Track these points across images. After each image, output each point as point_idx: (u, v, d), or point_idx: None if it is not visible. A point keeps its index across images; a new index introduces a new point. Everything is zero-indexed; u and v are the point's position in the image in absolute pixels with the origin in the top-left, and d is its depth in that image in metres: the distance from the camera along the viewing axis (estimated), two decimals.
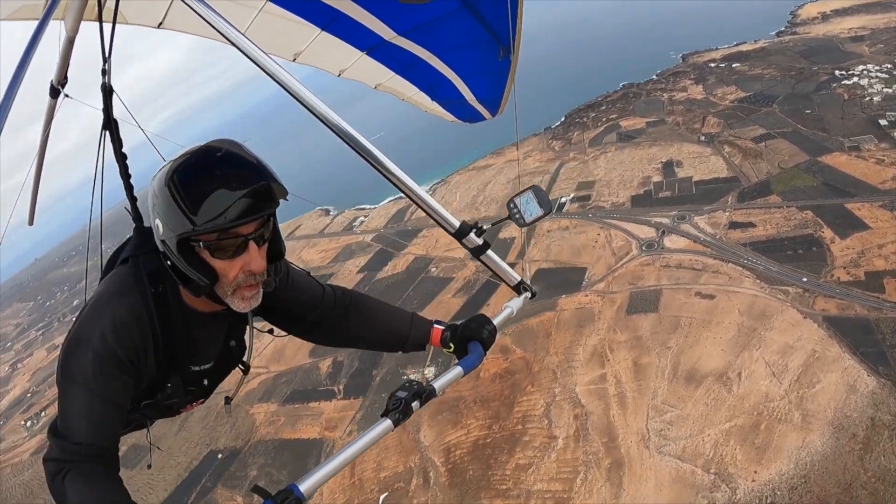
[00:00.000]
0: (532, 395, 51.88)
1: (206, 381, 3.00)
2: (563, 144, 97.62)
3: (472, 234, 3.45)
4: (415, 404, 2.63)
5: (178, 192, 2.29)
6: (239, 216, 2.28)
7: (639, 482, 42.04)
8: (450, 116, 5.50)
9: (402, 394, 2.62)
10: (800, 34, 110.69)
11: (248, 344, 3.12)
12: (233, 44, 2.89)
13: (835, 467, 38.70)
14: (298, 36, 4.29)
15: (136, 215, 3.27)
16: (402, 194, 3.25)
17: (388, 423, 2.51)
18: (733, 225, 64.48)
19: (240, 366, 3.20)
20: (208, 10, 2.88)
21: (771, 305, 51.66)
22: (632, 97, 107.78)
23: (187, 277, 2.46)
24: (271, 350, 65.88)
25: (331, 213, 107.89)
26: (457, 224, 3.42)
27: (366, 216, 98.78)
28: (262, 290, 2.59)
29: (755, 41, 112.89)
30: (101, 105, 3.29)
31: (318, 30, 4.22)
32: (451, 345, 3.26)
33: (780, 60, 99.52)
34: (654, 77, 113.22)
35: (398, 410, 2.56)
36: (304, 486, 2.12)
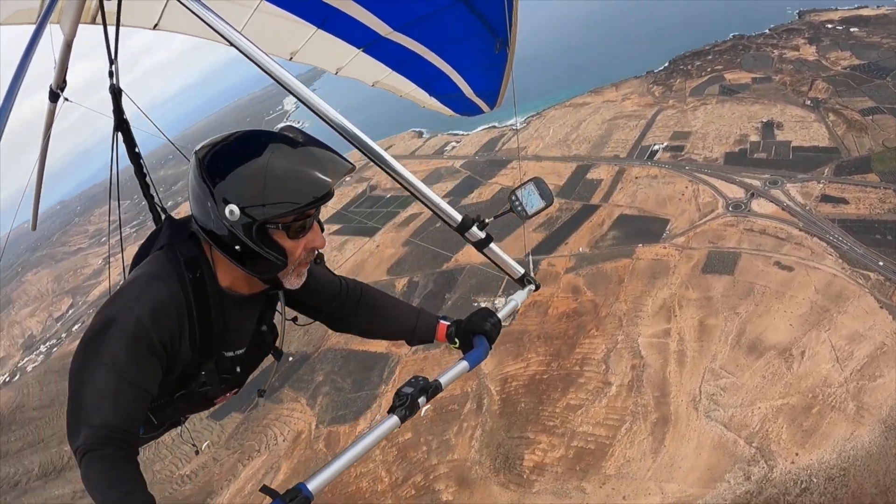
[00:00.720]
0: (595, 339, 51.38)
1: (238, 369, 2.98)
2: (663, 90, 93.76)
3: (475, 228, 3.49)
4: (421, 400, 2.65)
5: (271, 178, 2.35)
6: (323, 197, 2.41)
7: (680, 442, 41.63)
8: (448, 111, 5.50)
9: (408, 389, 2.65)
10: None
11: (280, 329, 3.17)
12: (231, 43, 2.94)
13: (877, 467, 37.81)
14: (294, 34, 4.30)
15: (156, 212, 3.46)
16: (404, 189, 3.28)
17: (394, 419, 2.55)
18: (825, 198, 61.12)
19: (272, 353, 3.23)
20: (205, 9, 2.92)
21: (848, 288, 49.73)
22: (740, 49, 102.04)
23: (257, 261, 2.51)
24: (352, 263, 67.35)
25: (423, 135, 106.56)
26: (459, 218, 3.46)
27: (458, 142, 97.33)
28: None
29: (878, 6, 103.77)
30: (99, 108, 3.42)
31: (314, 28, 4.23)
32: (457, 340, 3.30)
33: None
34: (767, 31, 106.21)
35: (405, 406, 2.59)
36: (311, 485, 2.15)
